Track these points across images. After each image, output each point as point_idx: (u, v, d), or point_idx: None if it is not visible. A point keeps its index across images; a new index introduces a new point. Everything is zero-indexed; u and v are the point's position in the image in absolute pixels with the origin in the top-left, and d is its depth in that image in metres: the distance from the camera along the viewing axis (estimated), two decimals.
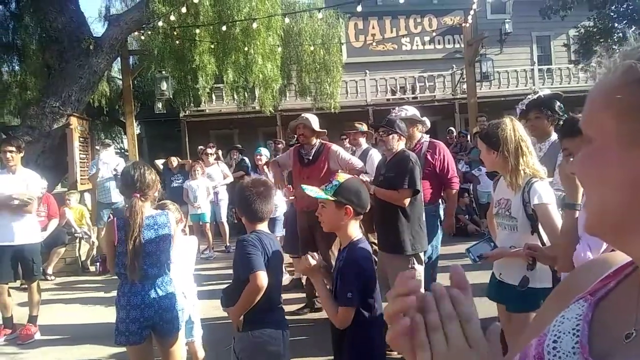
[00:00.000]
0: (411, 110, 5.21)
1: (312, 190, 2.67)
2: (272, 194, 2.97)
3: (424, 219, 4.46)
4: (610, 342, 0.72)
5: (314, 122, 5.36)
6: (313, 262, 2.54)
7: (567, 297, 0.85)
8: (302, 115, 5.55)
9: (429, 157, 5.03)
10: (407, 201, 4.19)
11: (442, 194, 5.30)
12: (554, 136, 3.74)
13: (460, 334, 0.69)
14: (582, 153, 0.76)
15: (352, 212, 2.55)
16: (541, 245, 2.77)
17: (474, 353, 0.68)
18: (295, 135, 5.68)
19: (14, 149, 5.41)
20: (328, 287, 2.61)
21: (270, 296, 2.78)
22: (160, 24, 9.66)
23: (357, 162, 5.35)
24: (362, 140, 6.90)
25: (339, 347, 2.63)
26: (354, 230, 2.62)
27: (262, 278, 2.67)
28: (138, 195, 3.19)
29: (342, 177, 2.65)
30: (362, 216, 2.65)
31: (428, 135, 5.34)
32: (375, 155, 6.48)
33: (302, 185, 2.89)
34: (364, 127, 7.11)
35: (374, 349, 2.59)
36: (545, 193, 2.74)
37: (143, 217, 3.17)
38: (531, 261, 2.65)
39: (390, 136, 4.34)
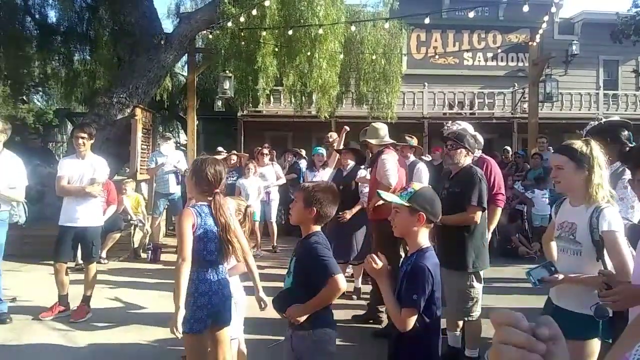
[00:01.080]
0: (464, 125, 5.18)
1: (388, 196, 2.80)
2: (338, 203, 3.05)
3: (487, 236, 4.41)
4: None
5: (376, 135, 5.43)
6: (380, 263, 2.62)
7: None
8: (372, 124, 5.67)
9: None
10: (478, 218, 4.16)
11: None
12: (616, 164, 3.64)
13: None
14: None
15: (425, 219, 2.64)
16: None
17: None
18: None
19: (86, 135, 5.64)
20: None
21: None
22: (229, 24, 9.89)
23: (386, 181, 5.27)
24: (410, 154, 6.95)
25: (396, 352, 2.69)
26: (424, 237, 2.71)
27: (342, 281, 2.78)
28: (218, 190, 3.35)
29: (417, 185, 2.77)
30: (432, 224, 2.75)
31: (480, 151, 5.28)
32: (423, 169, 6.49)
33: (378, 190, 2.96)
34: (414, 141, 7.15)
35: (431, 356, 2.66)
36: (615, 220, 2.68)
37: (228, 208, 3.37)
38: (605, 288, 2.54)
39: (458, 150, 4.31)
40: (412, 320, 2.52)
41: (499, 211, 4.98)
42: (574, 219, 2.84)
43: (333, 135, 8.12)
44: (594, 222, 2.72)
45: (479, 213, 4.15)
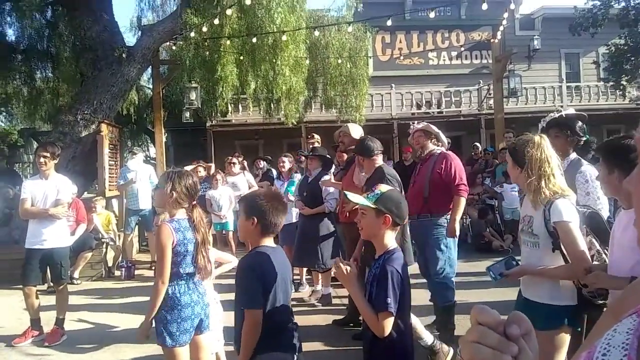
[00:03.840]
0: (424, 125, 5.29)
1: (354, 197, 2.74)
2: (286, 210, 2.88)
3: (408, 232, 4.45)
4: None
5: (355, 130, 5.42)
6: (349, 269, 2.56)
7: (621, 311, 0.84)
8: (348, 124, 5.68)
9: (436, 168, 5.05)
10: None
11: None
12: (573, 155, 3.73)
13: None
14: (637, 167, 0.77)
15: (390, 221, 2.59)
16: (564, 263, 2.76)
17: None
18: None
19: (48, 154, 5.48)
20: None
21: (274, 319, 2.66)
22: (192, 35, 9.83)
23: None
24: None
25: (371, 355, 2.65)
26: (391, 239, 2.66)
27: (255, 315, 2.60)
28: (196, 202, 3.38)
29: (383, 187, 2.72)
30: (399, 227, 2.71)
31: (443, 148, 5.36)
32: None
33: (345, 191, 2.91)
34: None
35: (406, 357, 2.62)
36: (566, 210, 2.72)
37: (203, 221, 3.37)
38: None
39: (357, 159, 4.54)
40: (389, 324, 2.46)
41: (462, 201, 5.06)
42: (532, 212, 2.90)
43: (316, 136, 8.04)
44: (547, 214, 2.77)
45: None
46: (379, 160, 4.42)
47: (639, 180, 0.75)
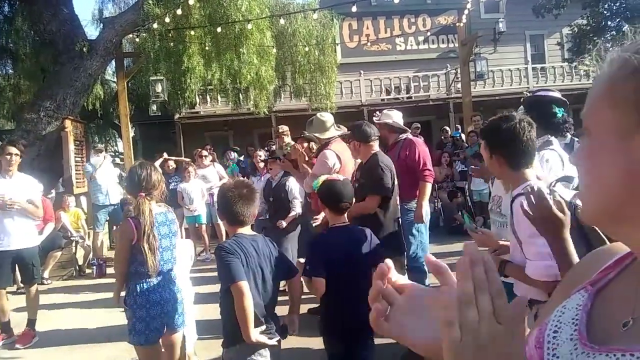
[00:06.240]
0: (394, 116, 5.26)
1: (315, 182, 3.17)
2: (256, 197, 2.87)
3: (398, 217, 4.48)
4: (608, 331, 0.73)
5: (324, 127, 5.36)
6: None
7: (571, 287, 0.86)
8: (317, 116, 5.54)
9: (401, 155, 5.10)
10: (375, 205, 4.17)
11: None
12: (545, 137, 3.74)
13: (491, 308, 0.63)
14: (581, 144, 0.78)
15: (323, 206, 3.08)
16: None
17: (505, 331, 0.63)
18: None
19: (18, 152, 5.42)
20: None
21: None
22: (155, 26, 9.66)
23: (316, 170, 5.04)
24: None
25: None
26: (333, 219, 3.11)
27: (244, 287, 2.60)
28: (143, 194, 3.25)
29: (330, 177, 3.14)
30: (341, 211, 3.08)
31: (408, 134, 5.38)
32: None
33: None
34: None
35: (327, 321, 2.98)
36: None
37: (152, 214, 3.23)
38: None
39: (352, 143, 4.53)
40: (316, 287, 2.86)
41: (428, 186, 5.11)
42: (501, 193, 2.93)
43: (283, 127, 7.87)
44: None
45: (377, 200, 4.18)
46: (376, 146, 4.42)
47: (584, 155, 0.77)
